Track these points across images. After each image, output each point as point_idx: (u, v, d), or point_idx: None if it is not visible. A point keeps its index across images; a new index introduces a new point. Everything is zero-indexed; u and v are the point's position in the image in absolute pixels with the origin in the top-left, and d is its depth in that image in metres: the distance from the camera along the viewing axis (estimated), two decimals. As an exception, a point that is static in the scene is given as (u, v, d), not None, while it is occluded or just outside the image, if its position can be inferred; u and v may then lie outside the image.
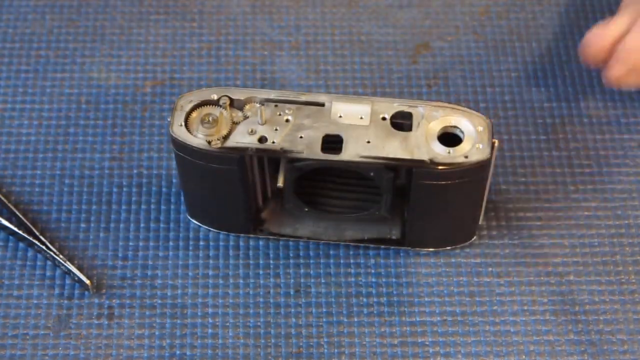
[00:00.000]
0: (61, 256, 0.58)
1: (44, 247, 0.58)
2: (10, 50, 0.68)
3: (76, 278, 0.58)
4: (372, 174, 0.53)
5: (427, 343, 0.57)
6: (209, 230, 0.60)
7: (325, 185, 0.58)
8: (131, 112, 0.65)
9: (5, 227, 0.59)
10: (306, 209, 0.58)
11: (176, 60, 0.68)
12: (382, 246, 0.60)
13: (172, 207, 0.62)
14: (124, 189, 0.62)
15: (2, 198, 0.61)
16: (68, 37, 0.69)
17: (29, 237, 0.59)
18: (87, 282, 0.57)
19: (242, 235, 0.60)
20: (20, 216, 0.60)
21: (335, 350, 0.57)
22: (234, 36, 0.69)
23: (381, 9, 0.71)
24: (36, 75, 0.67)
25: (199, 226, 0.61)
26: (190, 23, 0.70)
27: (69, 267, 0.58)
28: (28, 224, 0.60)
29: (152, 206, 0.62)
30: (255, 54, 0.68)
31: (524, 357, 0.56)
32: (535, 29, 0.70)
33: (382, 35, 0.69)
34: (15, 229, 0.59)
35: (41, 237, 0.59)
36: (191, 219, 0.61)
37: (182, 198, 0.61)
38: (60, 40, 0.69)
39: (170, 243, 0.60)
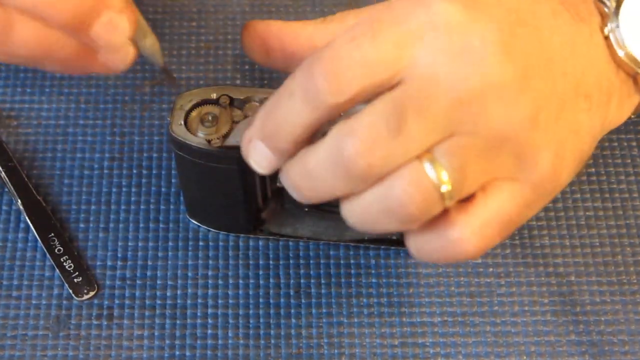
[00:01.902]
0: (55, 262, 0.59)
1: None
2: (8, 49, 0.68)
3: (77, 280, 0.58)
4: None
5: (428, 344, 0.57)
6: (209, 230, 0.60)
7: None
8: (130, 112, 0.65)
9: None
10: (306, 209, 0.58)
11: (175, 60, 0.68)
12: (382, 246, 0.60)
13: (172, 207, 0.61)
14: (124, 189, 0.62)
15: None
16: (67, 37, 0.68)
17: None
18: (71, 291, 0.58)
19: (242, 235, 0.60)
20: (42, 201, 0.61)
21: (335, 351, 0.56)
22: (234, 36, 0.69)
23: (381, 8, 0.71)
24: (35, 75, 0.67)
25: (199, 226, 0.60)
26: (189, 23, 0.70)
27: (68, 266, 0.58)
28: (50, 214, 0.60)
29: (152, 206, 0.61)
30: (254, 53, 0.68)
31: (524, 357, 0.56)
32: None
33: (382, 34, 0.69)
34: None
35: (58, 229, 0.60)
36: (191, 219, 0.61)
37: (182, 198, 0.61)
38: (59, 40, 0.69)
39: (170, 243, 0.60)
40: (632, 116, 0.51)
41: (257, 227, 0.60)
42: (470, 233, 0.45)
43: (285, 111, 0.45)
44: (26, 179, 0.62)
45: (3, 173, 0.62)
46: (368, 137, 0.43)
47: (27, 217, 0.60)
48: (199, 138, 0.53)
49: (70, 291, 0.58)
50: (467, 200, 0.45)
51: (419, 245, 0.47)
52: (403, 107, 0.43)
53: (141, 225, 0.61)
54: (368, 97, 0.44)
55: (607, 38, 0.48)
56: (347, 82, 0.43)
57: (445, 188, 0.44)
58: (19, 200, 0.61)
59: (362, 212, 0.46)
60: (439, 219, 0.45)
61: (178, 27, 0.69)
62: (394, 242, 0.59)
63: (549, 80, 0.46)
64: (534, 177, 0.46)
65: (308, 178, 0.45)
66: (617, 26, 0.48)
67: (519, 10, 0.46)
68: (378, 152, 0.43)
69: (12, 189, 0.61)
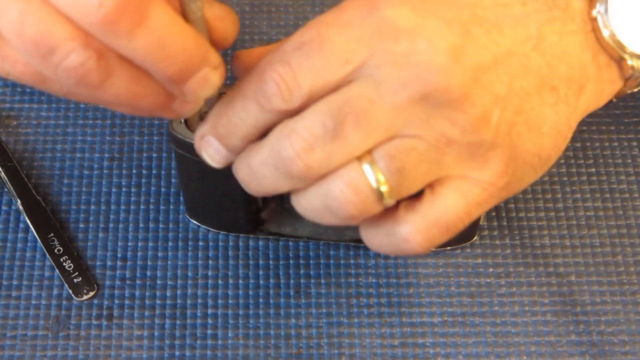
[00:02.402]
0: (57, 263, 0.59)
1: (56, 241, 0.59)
2: (8, 49, 0.68)
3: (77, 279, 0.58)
4: None
5: (428, 344, 0.57)
6: (209, 230, 0.60)
7: None
8: (130, 112, 0.65)
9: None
10: None
11: (175, 59, 0.68)
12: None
13: (172, 207, 0.61)
14: (123, 189, 0.62)
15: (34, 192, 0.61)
16: (67, 36, 0.68)
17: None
18: (70, 291, 0.58)
19: (242, 235, 0.60)
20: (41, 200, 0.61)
21: (335, 351, 0.56)
22: (233, 35, 0.69)
23: (381, 8, 0.71)
24: (35, 75, 0.67)
25: (199, 226, 0.60)
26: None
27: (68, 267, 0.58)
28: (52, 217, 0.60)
29: (152, 206, 0.61)
30: (254, 53, 0.68)
31: (524, 357, 0.56)
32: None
33: (382, 34, 0.69)
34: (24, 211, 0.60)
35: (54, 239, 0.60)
36: (191, 219, 0.60)
37: (182, 198, 0.61)
38: (58, 40, 0.69)
39: (170, 243, 0.60)
40: (614, 99, 0.51)
41: (257, 227, 0.60)
42: (416, 231, 0.45)
43: (239, 112, 0.46)
44: (26, 179, 0.61)
45: (3, 173, 0.61)
46: (306, 139, 0.44)
47: (26, 217, 0.60)
48: None
49: (70, 291, 0.58)
50: (415, 197, 0.46)
51: (370, 238, 0.48)
52: (342, 110, 0.44)
53: (141, 225, 0.61)
54: (319, 99, 0.44)
55: (594, 19, 0.48)
56: (296, 88, 0.44)
57: (384, 189, 0.44)
58: (19, 200, 0.61)
59: (306, 207, 0.46)
60: (388, 214, 0.46)
61: (178, 26, 0.69)
62: None
63: (505, 79, 0.45)
64: (484, 176, 0.46)
65: (253, 175, 0.46)
66: (606, 9, 0.47)
67: (478, 4, 0.45)
68: (315, 154, 0.44)
69: (12, 189, 0.61)
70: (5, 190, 0.62)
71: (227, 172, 0.54)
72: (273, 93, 0.44)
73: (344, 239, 0.59)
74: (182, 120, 0.53)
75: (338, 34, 0.44)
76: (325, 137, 0.44)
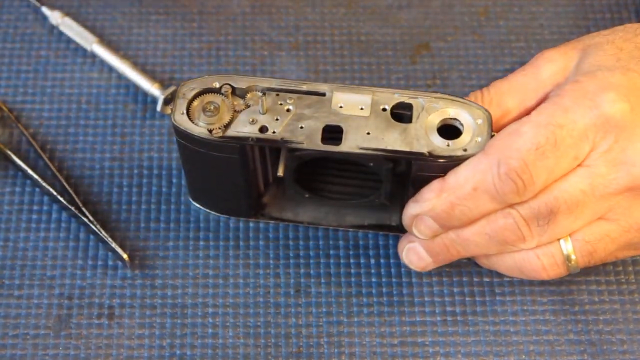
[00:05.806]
0: (103, 232, 0.59)
1: (86, 220, 0.60)
2: (10, 50, 0.68)
3: (116, 254, 0.59)
4: (371, 164, 0.54)
5: (427, 343, 0.57)
6: (209, 230, 0.61)
7: (326, 171, 0.58)
8: (131, 113, 0.66)
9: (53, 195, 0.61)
10: (307, 195, 0.58)
11: (176, 60, 0.68)
12: (382, 233, 0.60)
13: (173, 207, 0.62)
14: (124, 189, 0.62)
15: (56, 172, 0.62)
16: (68, 37, 0.69)
17: (71, 208, 0.60)
18: (125, 256, 0.58)
19: (242, 234, 0.60)
20: (65, 184, 0.62)
21: (335, 350, 0.57)
22: (234, 36, 0.69)
23: (381, 9, 0.71)
24: (36, 75, 0.67)
25: (199, 227, 0.61)
26: (190, 23, 0.70)
27: (109, 242, 0.59)
28: (75, 198, 0.61)
29: (152, 206, 0.62)
30: (255, 54, 0.68)
31: (523, 356, 0.56)
32: (535, 30, 0.70)
33: (381, 35, 0.69)
34: (62, 199, 0.60)
35: (84, 211, 0.60)
36: (193, 202, 0.61)
37: (182, 197, 0.61)
38: (60, 41, 0.69)
39: (171, 243, 0.60)
40: None
41: (258, 212, 0.60)
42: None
43: (467, 201, 0.51)
44: (38, 178, 0.62)
45: (30, 171, 0.62)
46: (525, 219, 0.51)
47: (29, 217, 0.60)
48: (200, 128, 0.53)
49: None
50: None
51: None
52: (557, 199, 0.50)
53: (142, 225, 0.61)
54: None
55: None
56: (530, 184, 0.50)
57: (573, 263, 0.53)
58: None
59: (497, 263, 0.56)
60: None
61: (179, 27, 0.70)
62: (394, 228, 0.59)
63: None
64: None
65: (460, 242, 0.53)
66: None
67: None
68: (531, 231, 0.51)
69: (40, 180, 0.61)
70: (7, 189, 0.62)
71: (228, 162, 0.55)
72: (510, 190, 0.50)
73: (344, 225, 0.60)
74: (184, 111, 0.53)
75: (569, 134, 0.50)
76: (540, 220, 0.51)
